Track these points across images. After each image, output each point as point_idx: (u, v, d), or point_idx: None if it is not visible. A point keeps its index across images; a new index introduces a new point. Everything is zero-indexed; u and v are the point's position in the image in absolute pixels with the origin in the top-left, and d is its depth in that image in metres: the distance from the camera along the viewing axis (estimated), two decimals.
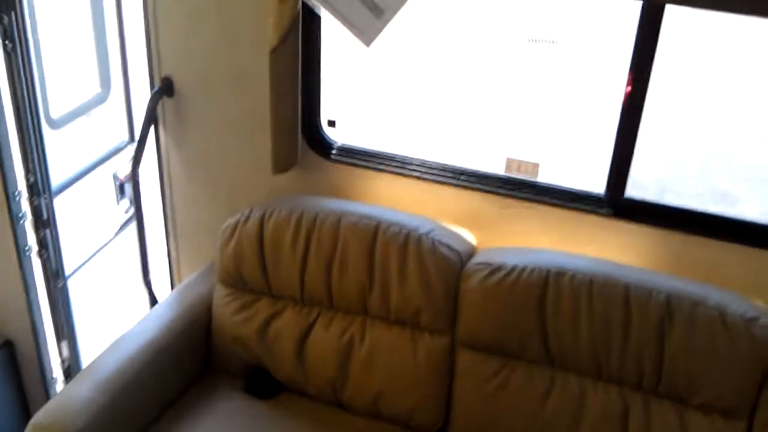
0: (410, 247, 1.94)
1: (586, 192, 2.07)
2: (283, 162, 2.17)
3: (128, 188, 2.76)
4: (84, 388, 1.75)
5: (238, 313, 2.11)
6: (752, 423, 1.79)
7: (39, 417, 1.69)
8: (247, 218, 2.08)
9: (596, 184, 2.09)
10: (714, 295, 1.80)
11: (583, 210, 2.04)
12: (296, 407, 2.06)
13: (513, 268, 1.88)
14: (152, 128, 2.36)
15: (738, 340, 1.74)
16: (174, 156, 2.42)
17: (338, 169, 2.25)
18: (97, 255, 2.74)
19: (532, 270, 1.87)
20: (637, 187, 2.02)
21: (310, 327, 2.06)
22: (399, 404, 1.99)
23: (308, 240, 2.02)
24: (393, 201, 2.21)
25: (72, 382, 1.79)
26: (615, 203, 2.02)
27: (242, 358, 2.12)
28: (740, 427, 1.78)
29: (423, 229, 1.98)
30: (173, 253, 2.62)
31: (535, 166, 2.39)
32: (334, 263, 2.01)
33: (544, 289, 1.85)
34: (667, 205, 2.03)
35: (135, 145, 2.41)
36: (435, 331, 1.97)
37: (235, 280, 2.12)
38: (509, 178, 2.14)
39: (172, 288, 2.71)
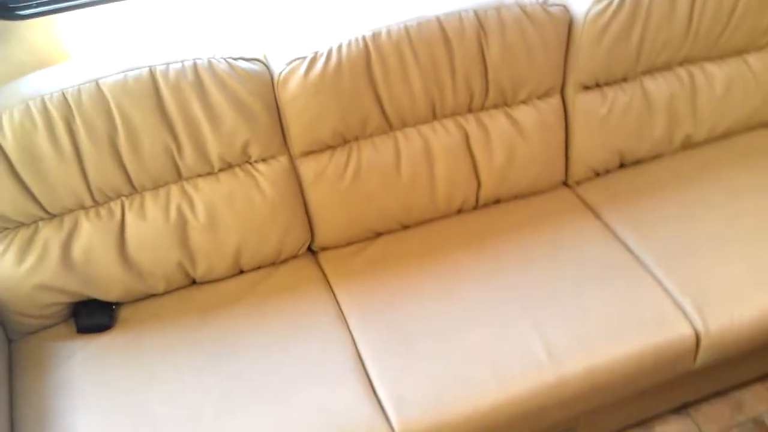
0: (204, 78, 1.56)
1: None
2: None
3: None
4: None
5: (21, 261, 1.58)
6: (564, 94, 1.93)
7: None
8: None
9: None
10: None
11: None
12: (151, 313, 1.71)
13: (329, 51, 1.63)
14: None
15: (542, 25, 1.79)
16: None
17: (38, 28, 1.64)
18: None
19: (348, 44, 1.64)
20: None
21: (122, 225, 1.64)
22: (262, 250, 1.76)
23: (71, 129, 1.51)
24: (129, 40, 1.73)
25: None
26: None
27: (56, 302, 1.65)
28: (555, 101, 1.92)
29: (204, 53, 1.59)
30: None
31: None
32: (118, 140, 1.55)
33: (368, 57, 1.66)
34: None
35: None
36: (270, 157, 1.71)
37: None
38: None
39: None
